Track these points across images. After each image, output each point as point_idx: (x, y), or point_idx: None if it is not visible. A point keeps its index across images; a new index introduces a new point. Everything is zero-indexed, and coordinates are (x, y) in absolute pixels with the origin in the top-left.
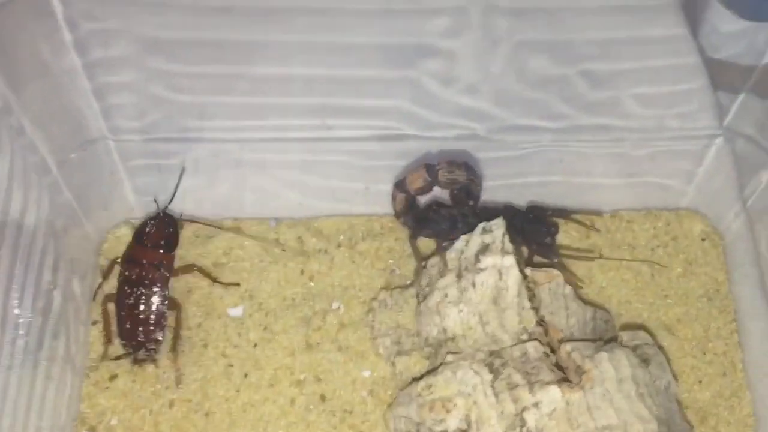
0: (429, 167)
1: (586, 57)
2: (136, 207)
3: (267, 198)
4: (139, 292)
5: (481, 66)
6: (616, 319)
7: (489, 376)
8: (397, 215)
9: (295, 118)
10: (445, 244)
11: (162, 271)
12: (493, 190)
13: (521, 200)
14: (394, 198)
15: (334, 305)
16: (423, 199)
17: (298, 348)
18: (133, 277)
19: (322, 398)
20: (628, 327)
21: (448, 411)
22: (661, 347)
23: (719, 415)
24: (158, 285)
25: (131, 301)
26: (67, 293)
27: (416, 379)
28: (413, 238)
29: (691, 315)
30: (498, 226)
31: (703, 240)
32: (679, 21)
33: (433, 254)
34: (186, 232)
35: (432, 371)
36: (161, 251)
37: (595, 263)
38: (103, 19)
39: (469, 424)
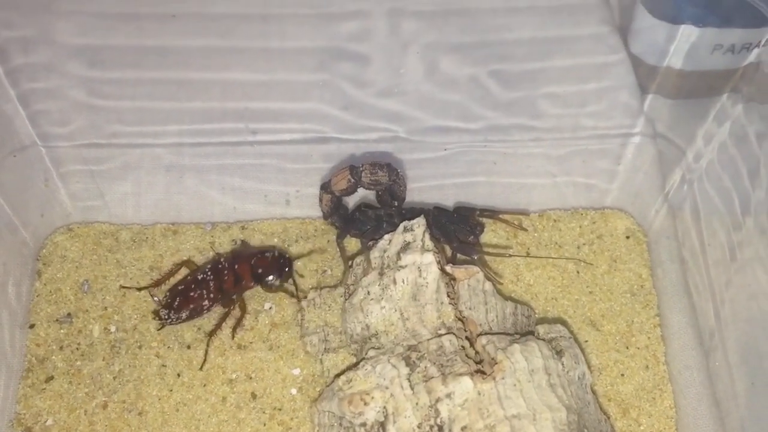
0: (353, 169)
1: (496, 58)
2: (74, 212)
3: (202, 203)
4: (208, 278)
5: (394, 68)
6: (542, 315)
7: (406, 370)
8: (325, 216)
9: (218, 122)
10: (370, 243)
11: (238, 285)
12: (423, 191)
13: (451, 201)
14: (321, 199)
15: (266, 306)
16: (352, 201)
17: (230, 348)
18: (220, 266)
19: (253, 396)
20: (546, 321)
21: (366, 404)
22: (585, 342)
23: (641, 407)
24: (224, 291)
25: (200, 278)
26: (0, 297)
27: (339, 375)
28: (340, 238)
29: (615, 310)
30: (419, 224)
31: (627, 237)
32: (588, 21)
33: (360, 253)
34: (123, 236)
35: (353, 366)
36: (253, 275)
37: (523, 261)
38: (21, 26)
39: (386, 416)
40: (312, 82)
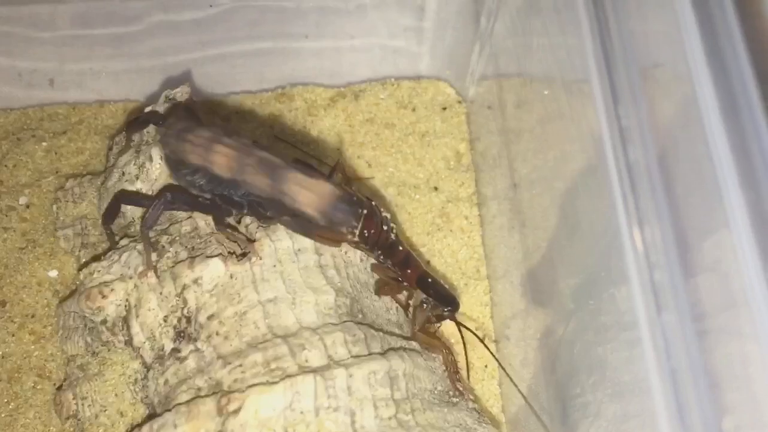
0: None
1: None
2: None
3: None
4: None
5: None
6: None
7: (153, 256)
8: None
9: None
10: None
11: None
12: (201, 63)
13: (244, 78)
14: None
15: (21, 200)
16: None
17: None
18: None
19: (2, 304)
20: None
21: (104, 297)
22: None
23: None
24: None
25: None
26: None
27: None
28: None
29: (433, 183)
30: (182, 93)
31: (444, 109)
32: None
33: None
34: None
35: (98, 257)
36: None
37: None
38: None
39: (128, 309)
40: None
